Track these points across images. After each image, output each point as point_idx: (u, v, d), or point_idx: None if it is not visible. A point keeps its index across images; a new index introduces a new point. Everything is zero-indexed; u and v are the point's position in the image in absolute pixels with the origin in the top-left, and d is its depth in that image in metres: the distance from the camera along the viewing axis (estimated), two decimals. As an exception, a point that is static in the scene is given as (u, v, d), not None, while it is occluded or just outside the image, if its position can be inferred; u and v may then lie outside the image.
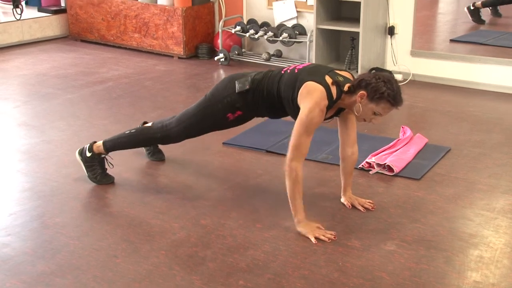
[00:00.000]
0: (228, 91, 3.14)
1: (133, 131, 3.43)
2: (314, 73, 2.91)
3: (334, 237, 2.86)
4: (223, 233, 2.93)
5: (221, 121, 3.22)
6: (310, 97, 2.82)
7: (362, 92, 2.80)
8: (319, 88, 2.83)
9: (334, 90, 2.86)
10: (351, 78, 2.95)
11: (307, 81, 2.86)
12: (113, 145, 3.41)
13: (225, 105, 3.15)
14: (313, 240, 2.83)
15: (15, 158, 3.83)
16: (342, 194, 3.21)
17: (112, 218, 3.09)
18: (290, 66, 3.07)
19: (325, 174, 3.53)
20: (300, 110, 2.86)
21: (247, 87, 3.07)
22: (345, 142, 3.10)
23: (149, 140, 3.46)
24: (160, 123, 3.39)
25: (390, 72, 5.25)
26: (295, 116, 2.94)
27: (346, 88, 2.86)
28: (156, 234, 2.92)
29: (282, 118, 3.27)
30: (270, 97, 3.05)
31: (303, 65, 3.02)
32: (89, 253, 2.75)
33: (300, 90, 2.87)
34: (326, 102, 2.83)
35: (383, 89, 2.77)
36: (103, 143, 3.42)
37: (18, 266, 2.65)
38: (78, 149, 3.48)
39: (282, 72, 3.04)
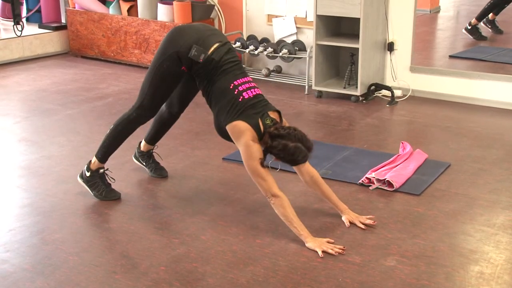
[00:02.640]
0: (179, 47, 3.15)
1: (111, 127, 3.43)
2: (249, 111, 3.02)
3: (343, 251, 2.87)
4: (223, 248, 2.92)
5: (179, 75, 3.25)
6: (242, 139, 2.99)
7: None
8: (248, 128, 2.99)
9: (261, 128, 3.02)
10: (278, 119, 3.08)
11: (238, 120, 3.01)
12: (103, 152, 3.42)
13: (176, 59, 3.17)
14: (320, 253, 2.84)
15: (15, 173, 3.83)
16: (341, 213, 3.20)
17: (112, 234, 3.09)
18: (243, 83, 3.11)
19: (325, 190, 3.52)
20: (241, 155, 3.02)
21: (200, 60, 3.11)
22: (300, 173, 3.23)
23: (129, 125, 3.41)
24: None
25: (389, 88, 5.28)
26: (216, 121, 3.15)
27: (266, 136, 3.01)
28: (155, 249, 2.91)
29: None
30: (206, 89, 3.16)
31: (248, 95, 3.07)
32: (88, 269, 2.75)
33: (230, 124, 3.03)
34: (256, 136, 3.00)
35: (283, 157, 3.00)
36: (95, 156, 3.43)
37: (17, 283, 2.64)
38: (79, 174, 3.50)
39: (231, 86, 3.08)
